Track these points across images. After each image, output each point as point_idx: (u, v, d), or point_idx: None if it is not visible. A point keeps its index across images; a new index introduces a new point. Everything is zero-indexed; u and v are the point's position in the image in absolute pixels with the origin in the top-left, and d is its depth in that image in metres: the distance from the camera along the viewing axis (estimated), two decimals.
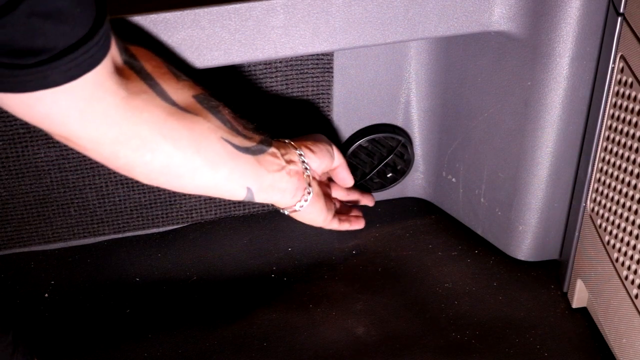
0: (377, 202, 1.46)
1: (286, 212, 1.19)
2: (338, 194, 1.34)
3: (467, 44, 1.27)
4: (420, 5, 1.14)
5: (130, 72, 0.93)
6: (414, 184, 1.46)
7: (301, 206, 1.17)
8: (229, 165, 1.03)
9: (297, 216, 1.20)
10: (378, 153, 1.41)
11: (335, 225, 1.30)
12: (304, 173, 1.15)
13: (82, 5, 0.81)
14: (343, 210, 1.35)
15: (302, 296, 1.34)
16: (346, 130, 1.39)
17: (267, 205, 1.42)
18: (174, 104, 0.96)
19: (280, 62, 1.29)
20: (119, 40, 0.92)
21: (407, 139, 1.41)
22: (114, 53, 0.89)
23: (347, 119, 1.38)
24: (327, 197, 1.27)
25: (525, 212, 1.34)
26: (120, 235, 1.41)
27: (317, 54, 1.29)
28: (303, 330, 1.29)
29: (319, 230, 1.41)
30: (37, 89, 0.82)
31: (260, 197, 1.10)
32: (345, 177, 1.29)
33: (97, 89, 0.86)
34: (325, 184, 1.30)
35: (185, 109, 0.98)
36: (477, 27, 1.18)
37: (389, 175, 1.43)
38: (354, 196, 1.37)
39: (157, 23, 1.07)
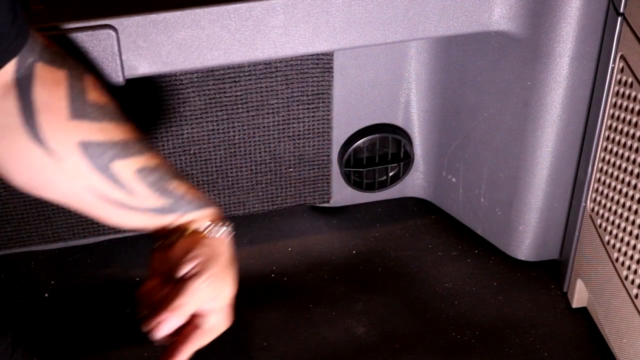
0: (377, 202, 1.46)
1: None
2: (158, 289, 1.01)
3: (467, 44, 1.27)
4: (420, 5, 1.14)
5: (13, 92, 0.87)
6: (414, 184, 1.46)
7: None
8: (89, 209, 0.97)
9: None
10: (378, 153, 1.41)
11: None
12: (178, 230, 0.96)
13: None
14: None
15: (302, 296, 1.34)
16: (346, 130, 1.39)
17: (267, 205, 1.42)
18: (40, 142, 0.88)
19: (280, 62, 1.29)
20: (45, 49, 0.87)
21: (407, 139, 1.41)
22: (7, 67, 0.85)
23: (347, 119, 1.38)
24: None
25: (525, 212, 1.34)
26: (120, 235, 1.41)
27: (317, 54, 1.29)
28: (303, 330, 1.29)
29: (319, 230, 1.41)
30: None
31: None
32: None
33: None
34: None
35: (51, 151, 0.89)
36: (477, 27, 1.18)
37: (389, 175, 1.43)
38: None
39: (157, 23, 1.07)
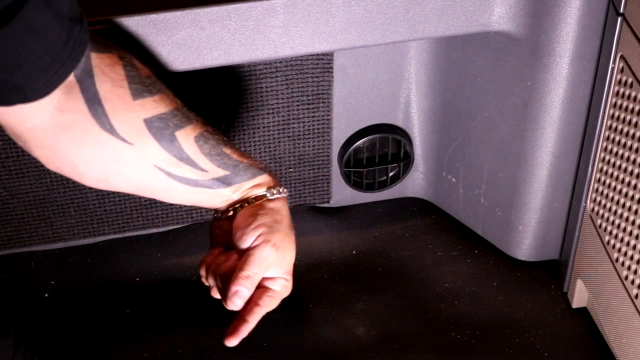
0: (377, 202, 1.46)
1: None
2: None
3: (467, 44, 1.27)
4: (420, 5, 1.14)
5: (75, 89, 0.90)
6: (414, 184, 1.46)
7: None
8: (159, 192, 0.99)
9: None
10: (378, 153, 1.41)
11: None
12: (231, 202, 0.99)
13: (57, 16, 0.81)
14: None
15: (302, 296, 1.34)
16: (346, 130, 1.39)
17: None
18: (110, 130, 0.92)
19: (280, 62, 1.29)
20: (85, 44, 0.89)
21: (407, 139, 1.41)
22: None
23: (347, 119, 1.38)
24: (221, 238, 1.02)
25: (525, 212, 1.34)
26: (120, 235, 1.41)
27: (317, 54, 1.29)
28: (303, 330, 1.29)
29: (319, 230, 1.41)
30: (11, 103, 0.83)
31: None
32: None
33: (46, 100, 0.86)
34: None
35: (121, 138, 0.93)
36: (477, 27, 1.18)
37: (389, 175, 1.43)
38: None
39: (157, 23, 1.07)
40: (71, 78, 0.88)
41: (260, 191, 0.99)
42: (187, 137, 0.97)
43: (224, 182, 0.99)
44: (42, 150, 0.91)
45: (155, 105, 0.95)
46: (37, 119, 0.88)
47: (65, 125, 0.90)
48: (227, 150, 0.98)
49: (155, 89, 0.95)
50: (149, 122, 0.94)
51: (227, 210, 1.00)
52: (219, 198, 1.00)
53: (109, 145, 0.93)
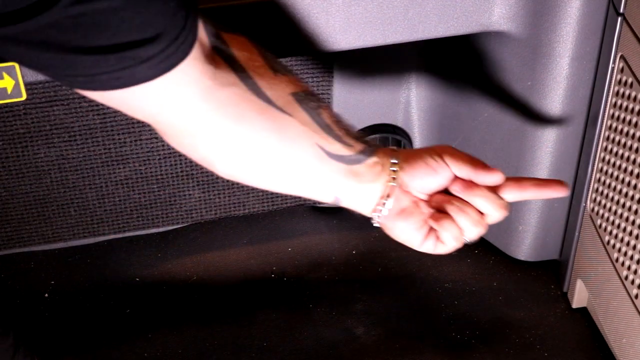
0: None
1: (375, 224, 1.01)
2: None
3: (468, 44, 1.27)
4: (420, 5, 1.14)
5: (219, 59, 0.85)
6: None
7: (378, 217, 0.99)
8: (317, 171, 0.94)
9: (386, 230, 1.02)
10: None
11: (429, 246, 1.06)
12: (387, 182, 0.97)
13: None
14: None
15: (302, 296, 1.34)
16: None
17: (267, 205, 1.42)
18: (268, 101, 0.88)
19: None
20: (208, 21, 0.84)
21: (407, 139, 1.41)
22: (201, 35, 0.82)
23: (347, 119, 1.38)
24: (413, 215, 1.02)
25: (525, 212, 1.34)
26: (120, 235, 1.41)
27: (317, 54, 1.29)
28: (303, 330, 1.29)
29: (319, 230, 1.41)
30: (122, 87, 0.76)
31: (347, 204, 1.01)
32: (484, 178, 1.00)
33: (180, 75, 0.78)
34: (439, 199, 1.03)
35: (280, 108, 0.89)
36: (477, 27, 1.18)
37: None
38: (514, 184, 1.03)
39: None
40: (208, 47, 0.83)
41: (388, 160, 0.97)
42: (327, 113, 0.94)
43: (367, 153, 0.96)
44: (194, 139, 0.85)
45: (294, 81, 0.91)
46: (195, 98, 0.82)
47: (226, 100, 0.84)
48: (347, 123, 0.97)
49: (285, 68, 0.92)
50: (296, 96, 0.91)
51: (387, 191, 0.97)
52: (369, 175, 0.96)
53: (272, 118, 0.88)
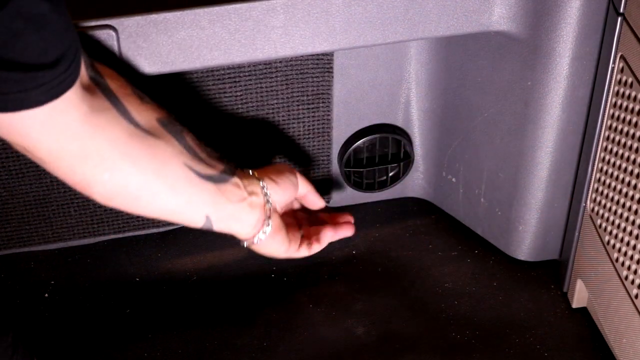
0: (377, 202, 1.46)
1: (245, 244, 1.13)
2: (313, 216, 1.24)
3: (467, 44, 1.27)
4: (420, 5, 1.14)
5: (94, 88, 0.90)
6: (414, 184, 1.46)
7: (259, 239, 1.11)
8: (189, 191, 1.00)
9: (257, 248, 1.14)
10: (378, 153, 1.41)
11: (304, 252, 1.21)
12: (265, 205, 1.11)
13: (59, 13, 0.79)
14: (312, 231, 1.22)
15: (302, 296, 1.34)
16: (346, 130, 1.39)
17: None
18: (137, 125, 0.93)
19: (280, 62, 1.29)
20: (85, 54, 0.90)
21: (407, 139, 1.41)
22: (82, 66, 0.87)
23: (347, 119, 1.38)
24: (291, 227, 1.18)
25: (525, 212, 1.34)
26: (120, 235, 1.41)
27: (317, 54, 1.29)
28: (303, 330, 1.29)
29: None
30: (18, 109, 0.80)
31: (219, 227, 1.06)
32: (315, 201, 1.20)
33: (64, 102, 0.83)
34: (292, 212, 1.21)
35: (148, 132, 0.95)
36: (477, 27, 1.18)
37: (389, 175, 1.43)
38: (331, 221, 1.24)
39: (157, 23, 1.07)
40: (86, 77, 0.88)
41: (254, 180, 1.10)
42: (190, 137, 1.00)
43: (229, 173, 1.04)
44: (72, 161, 0.89)
45: (158, 109, 0.97)
46: (74, 122, 0.86)
47: (101, 124, 0.89)
48: (207, 146, 1.05)
49: (148, 98, 0.98)
50: (160, 122, 0.96)
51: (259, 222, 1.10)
52: (236, 196, 1.05)
53: (141, 140, 0.93)
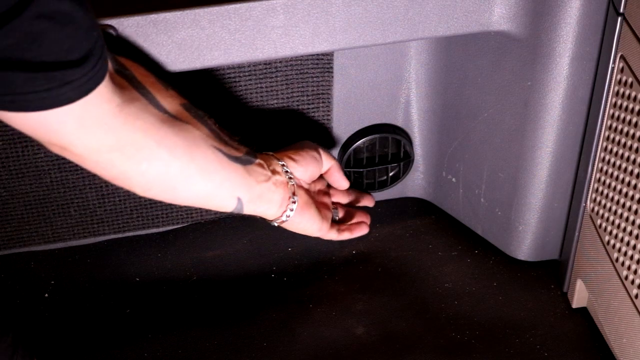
0: (377, 202, 1.46)
1: (275, 224, 1.18)
2: (338, 197, 1.34)
3: (467, 44, 1.27)
4: (420, 5, 1.14)
5: (122, 80, 0.92)
6: (414, 184, 1.46)
7: (287, 216, 1.15)
8: (220, 174, 1.02)
9: (288, 226, 1.19)
10: (378, 153, 1.41)
11: (333, 235, 1.28)
12: (287, 183, 1.14)
13: (84, 10, 0.80)
14: (346, 217, 1.35)
15: (302, 296, 1.34)
16: (346, 130, 1.39)
17: None
18: (165, 111, 0.95)
19: (280, 62, 1.29)
20: (108, 48, 0.91)
21: (407, 139, 1.41)
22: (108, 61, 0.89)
23: (347, 119, 1.38)
24: (322, 205, 1.25)
25: (525, 212, 1.34)
26: (120, 235, 1.41)
27: (317, 54, 1.29)
28: (303, 330, 1.29)
29: None
30: (49, 107, 0.81)
31: (249, 209, 1.09)
32: (338, 179, 1.27)
33: (95, 97, 0.85)
34: (323, 191, 1.28)
35: (177, 117, 0.97)
36: (477, 27, 1.18)
37: (389, 175, 1.43)
38: (352, 197, 1.37)
39: (157, 23, 1.07)
40: (112, 71, 0.89)
41: (273, 160, 1.14)
42: (212, 121, 1.03)
43: (252, 154, 1.07)
44: (110, 154, 0.90)
45: (179, 95, 1.00)
46: (107, 115, 0.87)
47: (134, 114, 0.90)
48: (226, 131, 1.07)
49: (169, 85, 1.00)
50: (185, 107, 0.99)
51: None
52: (262, 176, 1.08)
53: (173, 126, 0.95)
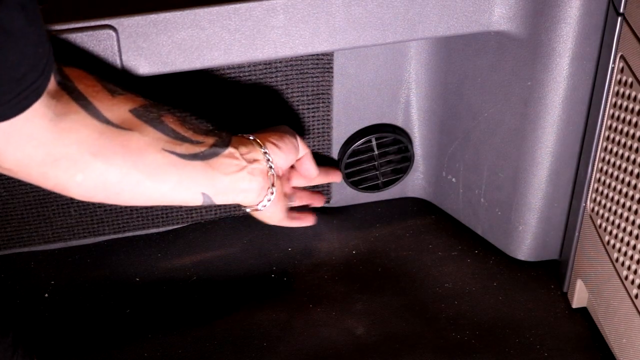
0: (377, 202, 1.46)
1: (248, 210, 1.15)
2: (297, 182, 1.26)
3: (467, 44, 1.27)
4: (420, 5, 1.14)
5: (62, 93, 0.90)
6: (414, 184, 1.46)
7: (264, 206, 1.13)
8: (175, 175, 1.00)
9: (257, 215, 1.16)
10: (378, 153, 1.41)
11: (286, 222, 1.23)
12: (268, 172, 1.12)
13: (34, 25, 0.79)
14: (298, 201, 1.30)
15: (302, 296, 1.34)
16: (346, 130, 1.39)
17: None
18: (107, 121, 0.93)
19: (280, 62, 1.29)
20: (54, 61, 0.89)
21: (407, 139, 1.41)
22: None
23: (347, 119, 1.38)
24: (284, 193, 1.21)
25: (525, 212, 1.34)
26: (120, 235, 1.41)
27: (317, 54, 1.29)
28: (303, 330, 1.29)
29: (319, 230, 1.41)
30: None
31: (220, 200, 1.07)
32: (309, 168, 1.21)
33: (29, 113, 0.83)
34: (284, 177, 1.21)
35: (119, 126, 0.94)
36: (477, 27, 1.18)
37: (389, 175, 1.43)
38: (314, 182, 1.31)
39: (157, 23, 1.07)
40: (53, 84, 0.88)
41: (255, 147, 1.10)
42: (170, 119, 1.00)
43: (221, 145, 1.04)
44: (42, 168, 0.89)
45: (132, 99, 0.97)
46: (39, 130, 0.86)
47: (68, 128, 0.89)
48: (194, 121, 1.05)
49: (122, 89, 0.98)
50: (134, 112, 0.96)
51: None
52: (231, 167, 1.05)
53: (113, 136, 0.93)
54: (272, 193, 1.11)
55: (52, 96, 0.87)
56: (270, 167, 1.10)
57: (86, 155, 0.91)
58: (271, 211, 1.14)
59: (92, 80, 0.95)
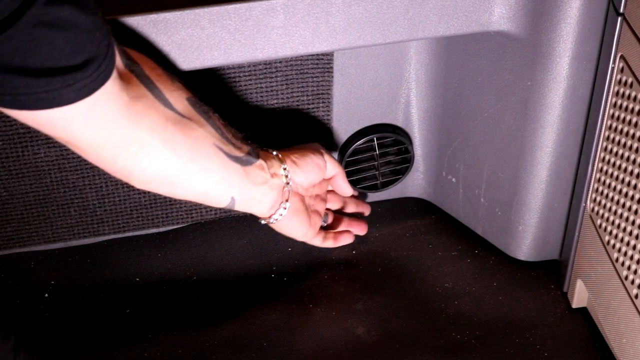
0: (377, 202, 1.46)
1: (263, 222, 1.19)
2: (334, 202, 1.33)
3: (467, 44, 1.27)
4: (420, 5, 1.14)
5: (131, 75, 0.92)
6: (414, 184, 1.46)
7: (275, 219, 1.16)
8: (219, 173, 1.02)
9: (274, 227, 1.20)
10: (378, 153, 1.41)
11: (317, 241, 1.29)
12: (283, 188, 1.13)
13: (86, 13, 0.80)
14: (335, 224, 1.34)
15: (302, 296, 1.34)
16: (346, 130, 1.39)
17: None
18: (172, 108, 0.95)
19: (280, 62, 1.29)
20: (118, 43, 0.91)
21: (407, 139, 1.41)
22: (117, 57, 0.89)
23: (347, 119, 1.38)
24: (314, 212, 1.25)
25: (525, 212, 1.34)
26: (120, 235, 1.41)
27: (317, 54, 1.29)
28: (303, 330, 1.29)
29: None
30: (49, 107, 0.82)
31: (241, 207, 1.10)
32: (342, 187, 1.26)
33: (102, 95, 0.85)
34: (320, 197, 1.27)
35: (181, 114, 0.97)
36: (477, 27, 1.18)
37: (389, 175, 1.43)
38: (349, 204, 1.36)
39: (157, 23, 1.07)
40: (122, 67, 0.90)
41: (276, 162, 1.13)
42: (217, 117, 1.02)
43: (254, 155, 1.07)
44: (114, 151, 0.91)
45: (185, 87, 1.00)
46: (115, 113, 0.88)
47: (141, 112, 0.91)
48: (232, 127, 1.07)
49: (176, 76, 1.00)
50: (190, 102, 0.98)
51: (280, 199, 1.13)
52: (259, 178, 1.07)
53: (177, 124, 0.95)
54: (284, 208, 1.13)
55: (124, 79, 0.89)
56: (288, 183, 1.12)
57: (156, 141, 0.93)
58: (287, 225, 1.17)
59: (154, 64, 0.97)
